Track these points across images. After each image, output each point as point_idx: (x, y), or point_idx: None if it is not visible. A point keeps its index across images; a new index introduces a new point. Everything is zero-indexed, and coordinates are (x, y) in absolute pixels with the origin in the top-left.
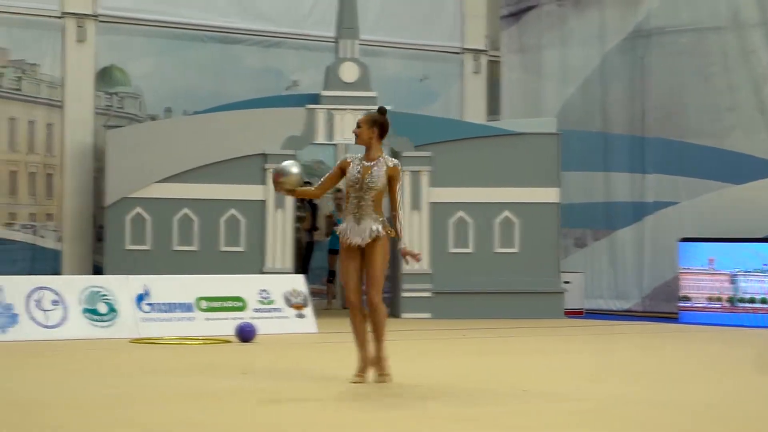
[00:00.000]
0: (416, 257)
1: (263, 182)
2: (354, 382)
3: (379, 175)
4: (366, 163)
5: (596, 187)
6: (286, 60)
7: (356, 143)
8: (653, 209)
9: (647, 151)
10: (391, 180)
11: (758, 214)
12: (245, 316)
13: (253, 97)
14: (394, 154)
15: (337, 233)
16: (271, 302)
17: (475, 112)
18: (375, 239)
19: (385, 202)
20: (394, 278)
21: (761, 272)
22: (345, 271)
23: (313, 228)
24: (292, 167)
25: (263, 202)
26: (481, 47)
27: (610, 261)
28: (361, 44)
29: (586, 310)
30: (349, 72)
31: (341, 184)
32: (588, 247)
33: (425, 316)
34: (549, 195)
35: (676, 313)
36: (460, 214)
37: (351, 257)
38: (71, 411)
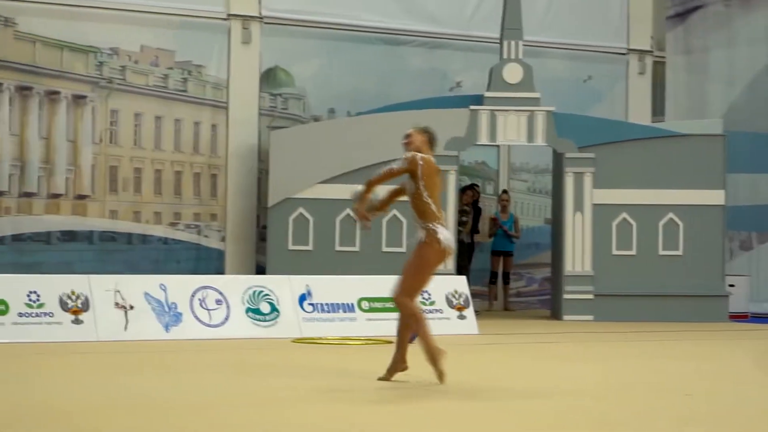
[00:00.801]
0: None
1: None
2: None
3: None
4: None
5: (763, 189)
6: (450, 61)
7: (409, 149)
8: None
9: None
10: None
11: None
12: None
13: (416, 98)
14: (557, 157)
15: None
16: (432, 303)
17: (640, 114)
18: (419, 244)
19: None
20: (556, 280)
21: None
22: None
23: (475, 230)
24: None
25: None
26: (647, 48)
27: None
28: (525, 45)
29: (752, 314)
30: (512, 73)
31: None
32: (753, 249)
33: (587, 319)
34: (714, 197)
35: None
36: (624, 216)
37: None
38: (230, 410)
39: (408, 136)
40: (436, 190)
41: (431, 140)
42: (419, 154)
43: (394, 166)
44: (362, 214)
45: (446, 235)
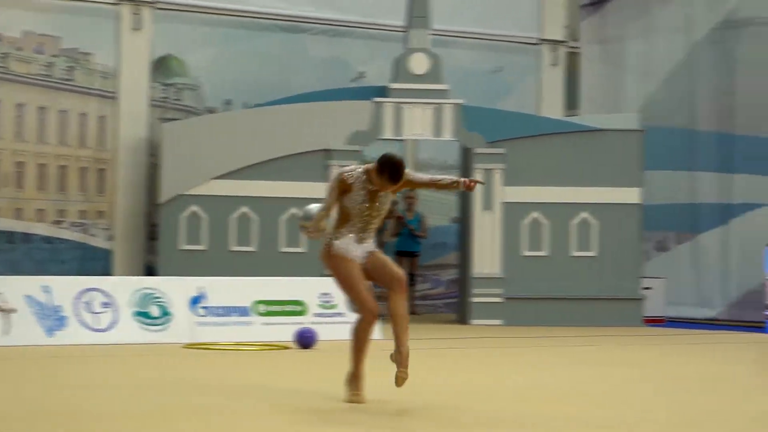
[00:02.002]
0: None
1: (326, 179)
2: (352, 402)
3: (386, 200)
4: (371, 188)
5: (680, 187)
6: (353, 50)
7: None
8: (741, 211)
9: (736, 149)
10: (408, 181)
11: None
12: (305, 321)
13: (317, 89)
14: (465, 152)
15: (333, 249)
16: (333, 306)
17: (552, 107)
18: (374, 252)
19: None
20: (463, 282)
21: None
22: (353, 279)
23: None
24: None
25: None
26: (560, 38)
27: (694, 266)
28: (432, 34)
29: (668, 317)
30: (419, 63)
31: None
32: (670, 251)
33: (496, 323)
34: (630, 195)
35: (764, 323)
36: (535, 215)
37: (353, 265)
38: (122, 423)
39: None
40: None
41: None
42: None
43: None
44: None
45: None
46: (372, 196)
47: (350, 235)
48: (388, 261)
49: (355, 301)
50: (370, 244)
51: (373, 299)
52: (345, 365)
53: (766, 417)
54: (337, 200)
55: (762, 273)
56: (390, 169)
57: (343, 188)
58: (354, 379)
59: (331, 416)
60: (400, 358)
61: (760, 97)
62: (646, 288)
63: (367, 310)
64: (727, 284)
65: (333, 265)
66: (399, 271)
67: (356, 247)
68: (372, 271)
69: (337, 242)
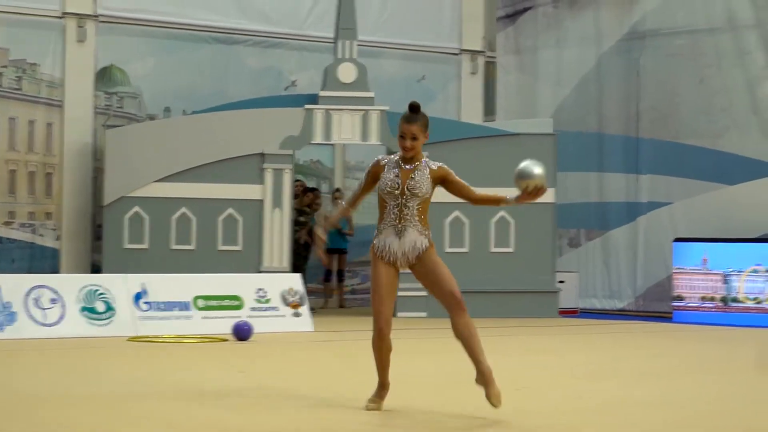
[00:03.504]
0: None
1: (261, 182)
2: (371, 408)
3: (422, 180)
4: (405, 167)
5: (590, 187)
6: (285, 60)
7: (408, 155)
8: (647, 209)
9: (641, 151)
10: (446, 181)
11: (751, 214)
12: (242, 315)
13: (251, 97)
14: (390, 154)
15: (373, 248)
16: (267, 301)
17: (472, 113)
18: (424, 253)
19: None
20: None
21: (755, 272)
22: (379, 290)
23: (311, 231)
24: (535, 168)
25: (261, 201)
26: (478, 48)
27: (604, 261)
28: (359, 45)
29: (580, 309)
30: (347, 72)
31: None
32: (582, 246)
33: (421, 315)
34: (546, 195)
35: (670, 313)
36: (456, 213)
37: (387, 276)
38: (68, 408)
39: (414, 138)
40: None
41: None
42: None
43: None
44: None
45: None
46: (404, 176)
47: (388, 228)
48: (442, 275)
49: (372, 310)
50: (415, 237)
51: (385, 316)
52: (279, 355)
53: (657, 402)
54: (370, 188)
55: (667, 266)
56: (407, 110)
57: (376, 173)
58: (378, 387)
59: (257, 403)
60: (483, 378)
61: (662, 103)
62: (560, 281)
63: (375, 324)
64: (635, 277)
65: (372, 262)
66: (453, 289)
67: (396, 243)
68: (425, 283)
69: (375, 241)
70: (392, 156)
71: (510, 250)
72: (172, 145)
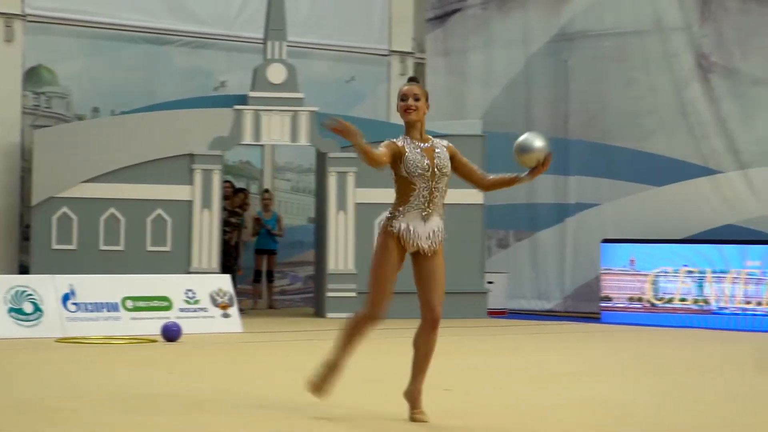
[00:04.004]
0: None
1: (190, 182)
2: (314, 391)
3: (445, 156)
4: (423, 145)
5: (519, 188)
6: (214, 61)
7: (411, 120)
8: (575, 211)
9: (570, 153)
10: (455, 159)
11: (678, 215)
12: (171, 316)
13: (181, 97)
14: (321, 157)
15: (390, 226)
16: (196, 302)
17: None
18: (440, 243)
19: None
20: (319, 278)
21: (681, 273)
22: (383, 276)
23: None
24: (536, 140)
25: (190, 202)
26: (408, 50)
27: (532, 262)
28: (289, 46)
29: (509, 310)
30: (276, 73)
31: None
32: (511, 247)
33: (351, 316)
34: (474, 196)
35: (598, 313)
36: (386, 214)
37: (396, 262)
38: None
39: (416, 99)
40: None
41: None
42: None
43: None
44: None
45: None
46: (429, 155)
47: (413, 212)
48: (437, 285)
49: (369, 293)
50: (437, 221)
51: (384, 303)
52: (208, 356)
53: (587, 402)
54: (386, 163)
55: (595, 267)
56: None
57: (397, 152)
58: (329, 368)
59: (186, 404)
60: (413, 397)
61: (590, 105)
62: (489, 282)
63: (372, 310)
64: (563, 278)
65: (379, 242)
66: (437, 304)
67: (422, 227)
68: (419, 279)
69: (394, 222)
70: (398, 138)
71: None
72: (101, 146)
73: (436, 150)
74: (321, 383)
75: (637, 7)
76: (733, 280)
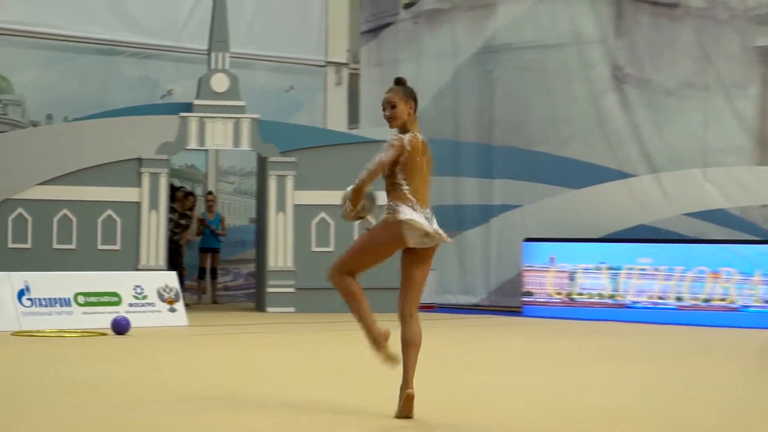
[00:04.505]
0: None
1: (138, 185)
2: (389, 359)
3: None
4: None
5: (447, 191)
6: (162, 71)
7: (393, 128)
8: (499, 211)
9: (494, 158)
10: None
11: (595, 216)
12: (120, 310)
13: (130, 105)
14: (261, 161)
15: (399, 215)
16: (144, 297)
17: (337, 121)
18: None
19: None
20: (260, 275)
21: (597, 269)
22: (366, 252)
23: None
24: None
25: (138, 203)
26: (343, 61)
27: (459, 259)
28: (231, 57)
29: (438, 304)
30: (219, 82)
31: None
32: (439, 246)
33: (289, 310)
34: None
35: (520, 307)
36: (323, 215)
37: (385, 253)
38: None
39: (392, 106)
40: (416, 172)
41: (416, 103)
42: (406, 138)
43: (383, 157)
44: (355, 215)
45: (410, 215)
46: (425, 150)
47: (418, 212)
48: (419, 286)
49: (349, 255)
50: (431, 216)
51: (356, 269)
52: (155, 348)
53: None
54: (389, 170)
55: (517, 264)
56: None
57: (402, 149)
58: (371, 339)
59: (134, 396)
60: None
61: (513, 113)
62: None
63: (341, 267)
64: (487, 274)
65: (376, 230)
66: (414, 308)
67: (426, 223)
68: (405, 277)
69: (402, 211)
70: (401, 136)
71: None
72: (55, 151)
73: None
74: (381, 350)
75: (556, 22)
76: (644, 276)
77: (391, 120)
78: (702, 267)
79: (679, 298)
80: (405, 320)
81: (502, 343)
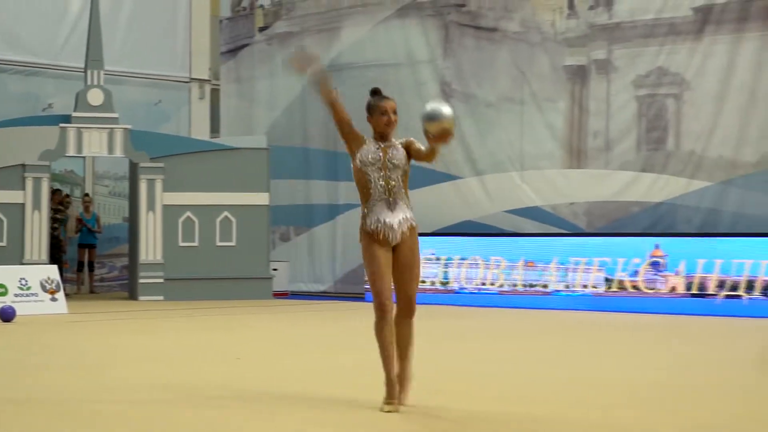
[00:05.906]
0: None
1: (23, 188)
2: (389, 411)
3: (399, 155)
4: (382, 144)
5: (298, 192)
6: (43, 86)
7: (388, 132)
8: (344, 209)
9: (339, 162)
10: (411, 147)
11: (427, 213)
12: (7, 300)
13: (14, 117)
14: (133, 166)
15: (364, 226)
16: (29, 288)
17: (201, 131)
18: (411, 230)
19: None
20: (133, 267)
21: (428, 260)
22: (378, 270)
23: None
24: (443, 108)
25: (22, 204)
26: (206, 77)
27: (309, 252)
28: (105, 74)
29: (291, 291)
30: (95, 97)
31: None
32: (291, 240)
33: (159, 299)
34: (260, 198)
35: (363, 294)
36: (188, 214)
37: (384, 253)
38: None
39: (395, 113)
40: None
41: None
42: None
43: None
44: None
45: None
46: (383, 150)
47: (379, 203)
48: (413, 278)
49: (373, 295)
50: (404, 210)
51: (387, 292)
52: (38, 334)
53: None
54: (347, 126)
55: (360, 256)
56: (373, 93)
57: (358, 136)
58: (390, 383)
59: (14, 375)
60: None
61: (356, 125)
62: (274, 269)
63: (377, 301)
64: (334, 265)
65: (363, 245)
66: (412, 295)
67: (390, 216)
68: (396, 272)
69: (366, 221)
70: (370, 137)
71: (232, 244)
72: None
73: (391, 149)
74: (392, 400)
75: (392, 44)
76: (470, 265)
77: (394, 124)
78: (520, 256)
79: (500, 285)
80: (411, 315)
81: (347, 325)
